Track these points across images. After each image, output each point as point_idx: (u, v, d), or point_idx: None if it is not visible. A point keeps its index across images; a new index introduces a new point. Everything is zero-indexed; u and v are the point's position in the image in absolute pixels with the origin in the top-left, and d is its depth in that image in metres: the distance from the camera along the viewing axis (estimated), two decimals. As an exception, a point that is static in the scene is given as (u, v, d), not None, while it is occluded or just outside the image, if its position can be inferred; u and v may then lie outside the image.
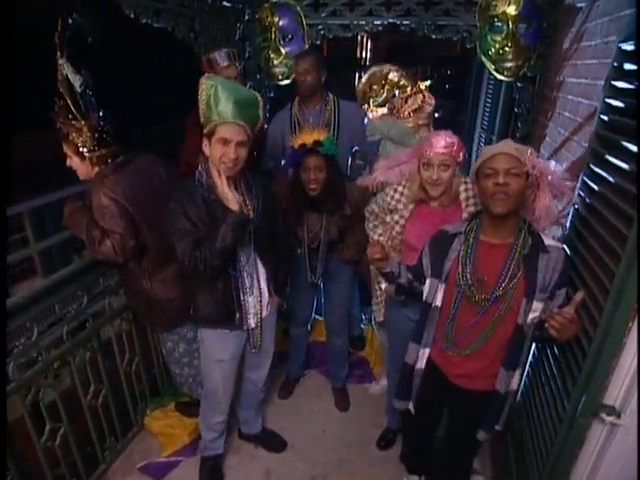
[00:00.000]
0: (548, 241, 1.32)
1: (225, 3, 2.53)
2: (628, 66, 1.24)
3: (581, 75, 1.74)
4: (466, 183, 1.68)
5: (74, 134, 1.61)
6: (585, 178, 1.46)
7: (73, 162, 1.69)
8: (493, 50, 2.19)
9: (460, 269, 1.38)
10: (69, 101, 1.55)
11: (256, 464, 2.12)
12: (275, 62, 2.61)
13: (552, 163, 1.33)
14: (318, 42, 2.58)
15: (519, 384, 1.50)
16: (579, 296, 1.20)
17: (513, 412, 1.64)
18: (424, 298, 1.50)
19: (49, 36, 1.47)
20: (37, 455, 1.66)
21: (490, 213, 1.31)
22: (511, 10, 2.08)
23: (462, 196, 1.67)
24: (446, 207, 1.67)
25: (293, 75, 2.55)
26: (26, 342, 1.57)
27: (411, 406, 1.62)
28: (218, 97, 1.42)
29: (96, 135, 1.64)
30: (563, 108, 1.94)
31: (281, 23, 2.49)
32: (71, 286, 1.75)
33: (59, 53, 1.51)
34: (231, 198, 1.47)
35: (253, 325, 1.75)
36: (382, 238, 1.84)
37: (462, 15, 2.29)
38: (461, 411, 1.55)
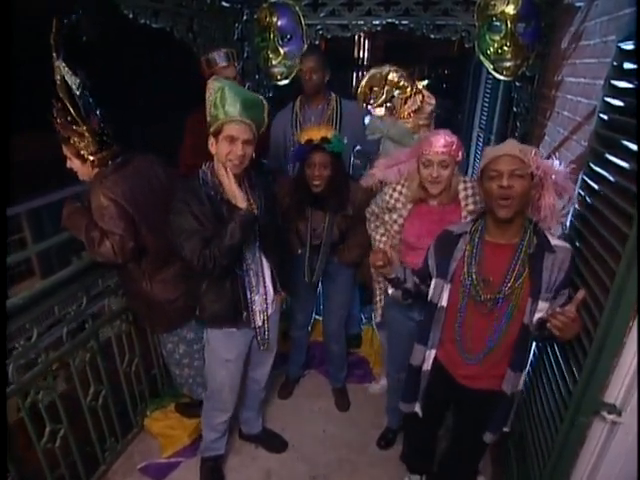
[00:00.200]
0: (555, 241, 1.32)
1: (224, 3, 2.53)
2: (628, 65, 1.24)
3: (580, 74, 1.74)
4: (465, 182, 1.68)
5: (76, 139, 1.60)
6: (585, 177, 1.47)
7: (73, 164, 1.68)
8: (492, 49, 2.19)
9: (465, 269, 1.38)
10: (68, 104, 1.54)
11: (256, 464, 2.12)
12: (274, 62, 2.59)
13: (555, 162, 1.32)
14: (317, 42, 2.58)
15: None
16: (580, 295, 1.20)
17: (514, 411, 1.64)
18: (429, 298, 1.49)
19: (49, 36, 1.46)
20: (37, 456, 1.65)
21: (495, 217, 1.31)
22: (510, 9, 2.07)
23: (461, 195, 1.67)
24: (445, 206, 1.67)
25: (292, 75, 2.55)
26: (25, 343, 1.56)
27: (418, 408, 1.61)
28: (225, 97, 1.44)
29: (97, 139, 1.63)
30: (562, 107, 1.94)
31: (280, 23, 2.47)
32: (70, 287, 1.75)
33: (55, 55, 1.50)
34: (239, 196, 1.48)
35: (260, 323, 1.75)
36: (384, 239, 1.84)
37: (461, 15, 2.30)
38: (467, 411, 1.55)
